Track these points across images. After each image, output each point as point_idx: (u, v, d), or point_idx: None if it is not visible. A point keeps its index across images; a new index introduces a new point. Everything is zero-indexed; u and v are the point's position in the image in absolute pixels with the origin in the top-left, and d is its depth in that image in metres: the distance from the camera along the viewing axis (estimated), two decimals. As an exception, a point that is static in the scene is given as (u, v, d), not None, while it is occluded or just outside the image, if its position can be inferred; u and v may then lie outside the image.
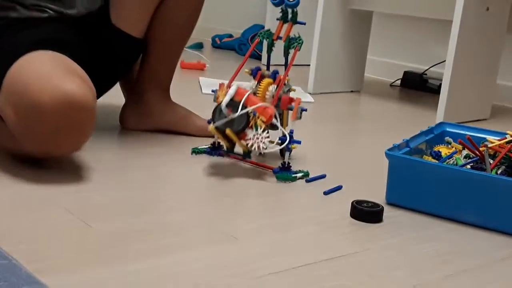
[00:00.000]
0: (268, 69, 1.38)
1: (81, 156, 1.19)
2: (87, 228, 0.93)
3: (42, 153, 1.12)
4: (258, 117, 1.19)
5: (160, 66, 1.50)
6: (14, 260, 0.53)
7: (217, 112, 1.20)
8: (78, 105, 1.04)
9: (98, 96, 1.27)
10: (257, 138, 1.17)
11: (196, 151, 1.36)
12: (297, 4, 1.32)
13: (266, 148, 1.18)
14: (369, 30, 2.55)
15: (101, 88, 1.41)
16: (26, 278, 0.50)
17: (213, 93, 1.30)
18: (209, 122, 1.23)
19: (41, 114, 1.03)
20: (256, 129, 1.18)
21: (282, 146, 1.25)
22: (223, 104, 1.19)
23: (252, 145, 1.18)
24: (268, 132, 1.19)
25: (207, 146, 1.36)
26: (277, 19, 1.39)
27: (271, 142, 1.25)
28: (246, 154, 1.29)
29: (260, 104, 1.20)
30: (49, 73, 1.07)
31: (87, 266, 0.81)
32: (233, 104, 1.19)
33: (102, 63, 1.40)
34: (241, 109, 1.18)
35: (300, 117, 1.30)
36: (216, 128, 1.19)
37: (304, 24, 1.34)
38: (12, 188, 1.06)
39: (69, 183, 1.10)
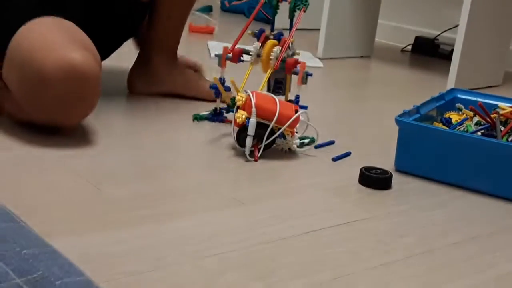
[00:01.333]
0: (272, 31, 1.36)
1: (90, 121, 1.19)
2: (97, 192, 0.93)
3: (47, 122, 1.11)
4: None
5: (166, 28, 1.47)
6: (22, 222, 0.53)
7: (241, 138, 1.15)
8: (83, 75, 1.04)
9: (102, 59, 1.25)
10: (286, 143, 1.18)
11: (197, 118, 1.35)
12: None
13: (297, 147, 1.20)
14: (381, -6, 2.52)
15: (105, 51, 1.39)
16: (34, 241, 0.51)
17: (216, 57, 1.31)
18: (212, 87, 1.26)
19: (45, 83, 1.03)
20: (284, 138, 1.18)
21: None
22: (249, 133, 1.12)
23: (282, 148, 1.19)
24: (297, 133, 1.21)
25: (208, 112, 1.35)
26: None
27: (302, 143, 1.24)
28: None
29: (286, 125, 1.15)
30: (53, 42, 1.07)
31: (94, 230, 0.81)
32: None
33: (105, 25, 1.38)
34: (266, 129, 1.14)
35: (306, 82, 1.29)
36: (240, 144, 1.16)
37: (307, 4, 1.32)
38: (20, 151, 1.06)
39: (77, 147, 1.10)
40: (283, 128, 1.14)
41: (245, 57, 1.32)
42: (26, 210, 0.83)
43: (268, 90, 1.34)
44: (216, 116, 1.35)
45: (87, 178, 0.98)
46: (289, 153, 1.20)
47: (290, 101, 1.31)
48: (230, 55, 1.32)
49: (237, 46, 1.33)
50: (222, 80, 1.31)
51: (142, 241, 0.80)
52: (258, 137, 1.12)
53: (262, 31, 1.34)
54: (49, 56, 1.03)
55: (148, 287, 0.70)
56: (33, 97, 1.06)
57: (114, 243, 0.78)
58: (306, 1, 1.33)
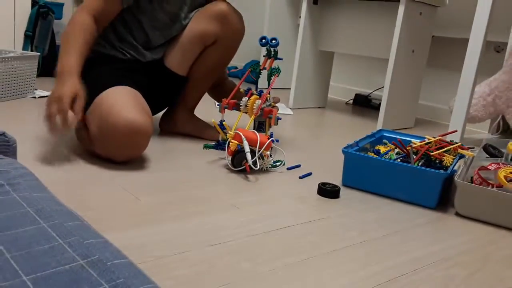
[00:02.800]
0: (256, 89, 1.38)
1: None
2: (136, 200, 0.93)
3: (107, 156, 1.11)
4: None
5: (191, 94, 1.47)
6: (85, 221, 0.53)
7: (234, 161, 1.17)
8: (140, 131, 1.07)
9: (154, 113, 1.34)
10: (264, 164, 1.18)
11: (206, 146, 1.36)
12: (277, 45, 1.34)
13: (271, 167, 1.20)
14: (331, 64, 2.55)
15: (157, 109, 1.47)
16: (93, 234, 0.50)
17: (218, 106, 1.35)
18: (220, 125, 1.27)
19: (115, 133, 1.05)
20: (263, 159, 1.18)
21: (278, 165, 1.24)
22: (249, 162, 1.14)
23: (262, 168, 1.19)
24: (271, 156, 1.20)
25: (214, 143, 1.36)
26: (264, 56, 1.40)
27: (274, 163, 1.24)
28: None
29: (266, 144, 1.18)
30: (123, 105, 1.08)
31: (135, 227, 0.81)
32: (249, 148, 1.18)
33: (158, 93, 1.41)
34: (248, 149, 1.15)
35: (277, 123, 1.30)
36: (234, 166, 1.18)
37: (281, 59, 1.35)
38: (85, 171, 1.05)
39: (123, 169, 1.09)
40: (262, 149, 1.15)
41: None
42: (87, 213, 0.82)
43: (254, 129, 1.36)
44: (219, 146, 1.35)
45: (130, 191, 0.97)
46: (268, 172, 1.20)
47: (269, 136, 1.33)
48: (227, 105, 1.34)
49: (232, 99, 1.36)
50: (221, 122, 1.32)
51: (167, 234, 0.79)
52: (245, 158, 1.14)
53: (249, 89, 1.36)
54: (120, 116, 1.05)
55: (169, 266, 0.69)
56: (104, 140, 1.07)
57: (147, 236, 0.78)
58: (279, 70, 1.36)
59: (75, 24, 1.16)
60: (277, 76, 1.36)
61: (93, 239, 0.49)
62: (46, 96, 1.87)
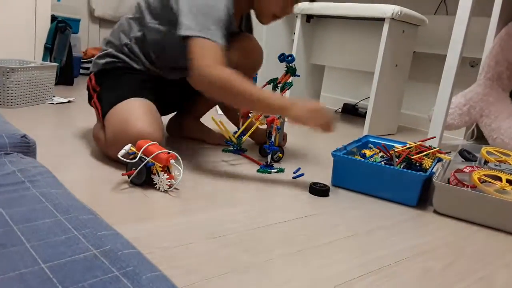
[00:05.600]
0: None
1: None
2: (145, 197, 0.92)
3: (118, 159, 1.07)
4: (156, 165, 0.97)
5: (201, 106, 1.47)
6: (98, 215, 0.53)
7: (128, 165, 0.99)
8: (149, 140, 1.02)
9: (164, 114, 1.30)
10: (161, 182, 0.96)
11: (225, 150, 1.33)
12: (292, 60, 1.29)
13: (170, 187, 0.97)
14: (322, 76, 2.56)
15: (166, 112, 1.43)
16: (105, 227, 0.50)
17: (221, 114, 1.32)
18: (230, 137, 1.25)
19: (128, 140, 1.03)
20: (158, 175, 0.97)
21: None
22: (119, 155, 0.98)
23: (159, 188, 0.97)
24: (168, 173, 0.99)
25: (233, 148, 1.31)
26: (284, 71, 1.33)
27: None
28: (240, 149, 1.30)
29: (155, 153, 0.97)
30: (139, 117, 1.07)
31: (143, 221, 0.80)
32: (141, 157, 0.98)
33: (171, 100, 1.40)
34: (140, 159, 0.97)
35: (278, 132, 1.30)
36: (131, 182, 0.99)
37: (299, 76, 1.29)
38: (98, 170, 1.05)
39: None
40: (148, 159, 0.96)
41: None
42: (100, 208, 0.82)
43: (267, 137, 1.32)
44: (237, 151, 1.32)
45: (138, 188, 0.97)
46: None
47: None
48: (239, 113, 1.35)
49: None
50: (234, 132, 1.32)
51: (172, 228, 0.79)
52: (136, 165, 0.97)
53: None
54: (135, 126, 1.05)
55: (174, 256, 0.69)
56: (118, 145, 1.04)
57: (154, 229, 0.77)
58: (291, 84, 1.33)
59: (233, 80, 1.03)
60: (288, 89, 1.34)
61: (105, 231, 0.49)
62: (63, 102, 1.86)
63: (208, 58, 1.03)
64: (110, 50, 1.25)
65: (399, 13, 1.88)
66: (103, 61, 1.25)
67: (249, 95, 1.03)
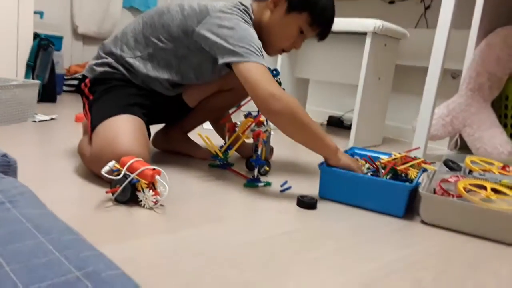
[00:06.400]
0: (258, 114, 1.31)
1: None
2: (129, 215, 0.91)
3: (99, 175, 1.05)
4: (141, 182, 0.95)
5: (191, 122, 1.47)
6: (80, 235, 0.51)
7: (112, 182, 0.97)
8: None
9: (151, 124, 1.30)
10: (146, 199, 0.94)
11: (212, 165, 1.35)
12: (277, 75, 1.30)
13: (155, 204, 0.95)
14: (307, 90, 2.58)
15: (153, 123, 1.40)
16: (88, 247, 0.49)
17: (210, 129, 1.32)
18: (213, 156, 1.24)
19: (113, 156, 1.01)
20: (143, 191, 0.94)
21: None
22: (103, 172, 0.96)
23: (144, 205, 0.95)
24: (154, 190, 0.96)
25: (219, 163, 1.34)
26: None
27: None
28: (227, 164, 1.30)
29: (140, 170, 0.94)
30: (127, 136, 1.06)
31: (128, 239, 0.79)
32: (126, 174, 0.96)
33: (161, 114, 1.39)
34: (124, 176, 0.95)
35: (265, 146, 1.30)
36: (116, 199, 0.96)
37: (284, 90, 1.27)
38: (81, 188, 1.03)
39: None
40: (133, 175, 0.94)
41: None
42: (83, 227, 0.80)
43: (252, 151, 1.32)
44: (224, 165, 1.34)
45: (123, 206, 0.95)
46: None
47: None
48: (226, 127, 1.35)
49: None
50: (221, 147, 1.34)
51: (157, 246, 0.77)
52: (120, 182, 0.95)
53: (249, 113, 1.34)
54: (122, 145, 1.03)
55: (160, 277, 0.67)
56: (103, 161, 1.01)
57: (139, 248, 0.76)
58: None
59: (300, 112, 1.08)
60: None
61: (88, 252, 0.47)
62: (46, 120, 1.84)
63: (270, 84, 1.07)
64: (110, 60, 1.23)
65: (381, 27, 1.91)
66: (101, 69, 1.23)
67: (311, 130, 1.10)
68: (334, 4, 1.25)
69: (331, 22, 1.26)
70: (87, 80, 1.25)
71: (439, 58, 1.60)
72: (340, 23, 2.02)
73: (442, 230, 1.01)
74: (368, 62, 1.94)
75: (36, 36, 2.26)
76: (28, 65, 2.22)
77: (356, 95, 1.99)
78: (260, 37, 1.17)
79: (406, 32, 2.12)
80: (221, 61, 1.11)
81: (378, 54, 2.00)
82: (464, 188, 1.06)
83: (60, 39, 2.63)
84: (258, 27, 1.21)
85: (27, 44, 2.19)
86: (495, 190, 1.08)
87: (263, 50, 1.14)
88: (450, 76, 2.29)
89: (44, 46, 2.27)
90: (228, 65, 1.11)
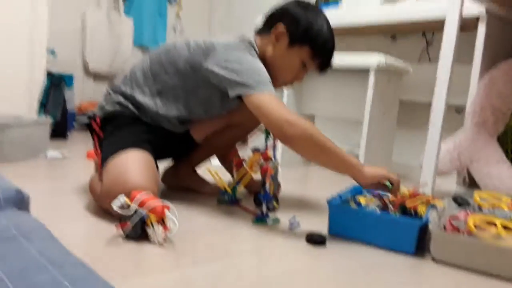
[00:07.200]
0: (265, 149, 1.31)
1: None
2: (141, 250, 0.91)
3: (109, 210, 1.06)
4: (150, 217, 0.95)
5: (199, 156, 1.49)
6: (93, 270, 0.52)
7: (122, 217, 0.97)
8: None
9: (159, 159, 1.29)
10: (155, 234, 0.94)
11: (219, 201, 1.35)
12: None
13: (165, 240, 0.95)
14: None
15: (162, 158, 1.40)
16: (100, 282, 0.49)
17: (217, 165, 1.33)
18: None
19: (123, 191, 1.01)
20: (153, 227, 0.94)
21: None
22: (113, 205, 0.96)
23: (153, 240, 0.94)
24: (163, 225, 0.96)
25: (227, 199, 1.34)
26: None
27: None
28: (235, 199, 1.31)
29: (150, 206, 0.95)
30: (136, 171, 1.07)
31: (139, 275, 0.78)
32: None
33: (169, 149, 1.40)
34: (135, 212, 0.95)
35: (273, 181, 1.30)
36: (127, 236, 0.96)
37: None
38: (92, 223, 1.04)
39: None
40: (145, 212, 0.94)
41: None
42: (94, 262, 0.80)
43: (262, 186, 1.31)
44: (233, 201, 1.34)
45: (133, 242, 0.95)
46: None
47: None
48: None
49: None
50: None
51: (167, 283, 0.77)
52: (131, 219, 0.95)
53: (256, 148, 1.35)
54: (132, 182, 1.04)
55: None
56: (112, 195, 1.01)
57: (149, 284, 0.75)
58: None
59: (317, 134, 1.09)
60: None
61: (100, 286, 0.48)
62: (57, 157, 1.86)
63: (283, 111, 1.09)
64: (121, 99, 1.27)
65: (384, 63, 1.96)
66: (111, 108, 1.27)
67: (331, 151, 1.10)
68: (334, 35, 1.28)
69: (332, 53, 1.28)
70: (97, 119, 1.29)
71: (443, 92, 1.62)
72: (344, 60, 2.07)
73: (453, 269, 0.99)
74: (372, 98, 1.97)
75: (48, 74, 2.33)
76: (40, 103, 2.28)
77: (361, 131, 2.01)
78: (269, 73, 1.20)
79: (408, 67, 2.16)
80: (231, 94, 1.13)
81: (382, 90, 2.03)
82: (474, 225, 1.05)
83: (71, 77, 2.71)
84: (262, 60, 1.24)
85: (40, 82, 2.26)
86: (505, 227, 1.07)
87: (271, 81, 1.17)
88: (455, 111, 2.31)
89: (56, 84, 2.34)
90: (239, 97, 1.14)
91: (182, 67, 1.23)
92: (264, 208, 1.23)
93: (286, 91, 2.36)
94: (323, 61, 1.28)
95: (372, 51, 2.17)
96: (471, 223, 1.05)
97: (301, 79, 1.32)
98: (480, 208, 1.27)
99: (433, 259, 1.03)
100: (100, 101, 1.32)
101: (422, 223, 1.05)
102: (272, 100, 1.10)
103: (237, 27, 3.49)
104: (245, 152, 1.49)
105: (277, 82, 1.28)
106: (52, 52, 2.59)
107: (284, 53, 1.26)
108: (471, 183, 2.04)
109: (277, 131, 1.09)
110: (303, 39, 1.24)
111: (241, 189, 1.35)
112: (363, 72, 2.07)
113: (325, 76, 2.32)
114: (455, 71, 1.66)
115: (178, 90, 1.25)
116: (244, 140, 1.52)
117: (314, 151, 1.10)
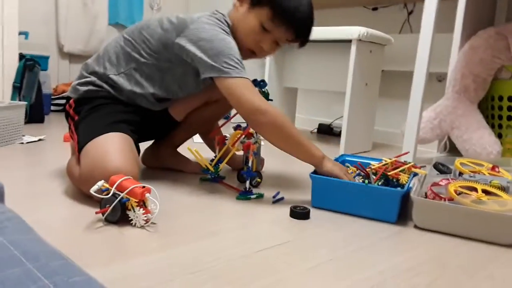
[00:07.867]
0: (247, 126, 1.31)
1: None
2: (120, 234, 0.89)
3: (89, 194, 1.04)
4: (131, 201, 0.93)
5: (180, 136, 1.47)
6: (69, 259, 0.50)
7: (102, 202, 0.95)
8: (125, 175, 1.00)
9: (140, 142, 1.28)
10: (136, 217, 0.93)
11: (202, 179, 1.34)
12: (265, 86, 1.31)
13: (146, 222, 0.94)
14: (296, 99, 2.59)
15: (142, 140, 1.37)
16: (78, 272, 0.48)
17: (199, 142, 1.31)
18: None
19: (104, 177, 0.99)
20: (134, 210, 0.93)
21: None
22: (91, 191, 0.94)
23: (135, 224, 0.93)
24: (144, 208, 0.95)
25: (210, 177, 1.34)
26: None
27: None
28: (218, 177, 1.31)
29: (129, 189, 0.93)
30: (116, 153, 1.05)
31: (119, 260, 0.77)
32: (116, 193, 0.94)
33: (149, 129, 1.36)
34: (113, 195, 0.93)
35: (256, 157, 1.30)
36: (106, 219, 0.94)
37: (272, 100, 1.26)
38: (70, 209, 1.02)
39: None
40: (123, 194, 0.93)
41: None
42: (72, 250, 0.79)
43: (243, 163, 1.32)
44: (215, 179, 1.34)
45: (113, 226, 0.94)
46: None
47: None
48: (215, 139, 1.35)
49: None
50: (211, 160, 1.34)
51: (149, 266, 0.76)
52: (110, 202, 0.93)
53: (238, 125, 1.35)
54: (112, 163, 1.02)
55: (156, 296, 0.66)
56: (92, 181, 0.98)
57: (130, 268, 0.75)
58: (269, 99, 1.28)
59: (286, 122, 1.13)
60: None
61: (77, 277, 0.46)
62: (33, 141, 1.82)
63: (254, 98, 1.10)
64: (94, 79, 1.23)
65: (365, 34, 1.93)
66: (85, 88, 1.23)
67: (297, 140, 1.15)
68: (308, 5, 1.21)
69: (298, 20, 1.19)
70: (71, 101, 1.25)
71: (424, 62, 1.62)
72: (325, 32, 2.04)
73: (435, 234, 1.01)
74: (354, 69, 1.96)
75: (21, 56, 2.25)
76: (14, 86, 2.21)
77: (344, 102, 2.00)
78: (234, 40, 1.17)
79: (390, 38, 2.14)
80: (203, 75, 1.13)
81: (364, 61, 2.02)
82: (455, 191, 1.07)
83: (46, 58, 2.62)
84: (234, 30, 1.22)
85: (13, 65, 2.18)
86: (485, 192, 1.09)
87: (242, 62, 1.15)
88: (436, 79, 2.31)
89: (30, 67, 2.26)
90: (211, 78, 1.12)
91: (155, 46, 1.20)
92: (247, 184, 1.22)
93: (268, 65, 2.33)
94: (288, 27, 1.18)
95: (354, 22, 2.15)
96: (452, 189, 1.07)
97: (267, 48, 1.23)
98: (461, 175, 1.28)
99: (416, 227, 1.05)
100: (73, 82, 1.28)
101: (404, 192, 1.06)
102: (243, 86, 1.10)
103: (216, 2, 3.40)
104: (227, 130, 1.47)
105: (241, 50, 1.21)
106: (25, 34, 2.49)
107: (245, 16, 1.21)
108: (452, 150, 2.07)
109: (248, 118, 1.12)
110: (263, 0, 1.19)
111: (223, 166, 1.34)
112: (345, 43, 2.05)
113: (307, 48, 2.30)
114: (436, 40, 1.65)
115: (152, 68, 1.22)
116: (226, 118, 1.49)
117: (281, 138, 1.14)
